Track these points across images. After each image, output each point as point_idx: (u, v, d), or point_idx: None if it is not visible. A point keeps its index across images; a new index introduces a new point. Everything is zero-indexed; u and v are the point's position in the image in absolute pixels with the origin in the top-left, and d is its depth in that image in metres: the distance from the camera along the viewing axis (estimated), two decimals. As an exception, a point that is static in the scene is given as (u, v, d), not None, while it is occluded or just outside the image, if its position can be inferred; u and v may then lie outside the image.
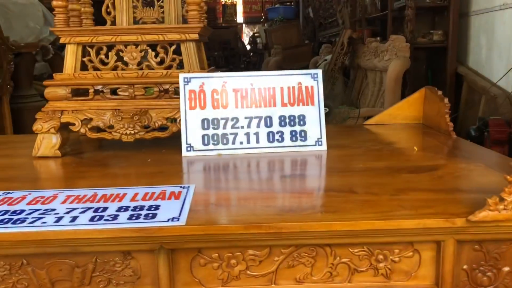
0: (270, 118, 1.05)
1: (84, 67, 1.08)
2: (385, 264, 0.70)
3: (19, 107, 2.64)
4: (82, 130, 1.05)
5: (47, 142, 1.05)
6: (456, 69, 3.56)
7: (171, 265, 0.69)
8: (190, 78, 1.04)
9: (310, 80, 1.06)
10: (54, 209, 0.70)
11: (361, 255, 0.70)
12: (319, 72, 1.07)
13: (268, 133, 1.05)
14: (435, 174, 0.86)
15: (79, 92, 1.07)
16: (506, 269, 0.70)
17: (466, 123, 3.25)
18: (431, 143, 1.12)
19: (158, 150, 1.09)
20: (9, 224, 0.65)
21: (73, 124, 1.05)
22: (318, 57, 5.60)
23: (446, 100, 1.17)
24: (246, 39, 12.28)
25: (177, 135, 1.04)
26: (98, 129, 1.07)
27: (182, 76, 1.04)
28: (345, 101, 4.11)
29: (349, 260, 0.70)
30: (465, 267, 0.70)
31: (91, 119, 1.05)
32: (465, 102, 3.40)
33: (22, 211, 0.70)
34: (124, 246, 0.67)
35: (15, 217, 0.67)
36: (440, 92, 1.21)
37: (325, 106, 2.20)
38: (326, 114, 1.26)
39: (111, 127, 1.05)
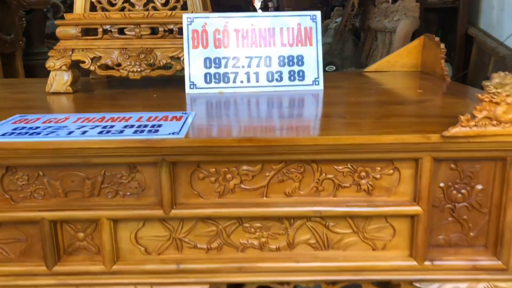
0: (270, 58, 1.11)
1: (93, 8, 1.14)
2: (367, 180, 0.77)
3: (31, 64, 2.72)
4: (92, 68, 1.12)
5: (59, 79, 1.12)
6: (467, 30, 3.54)
7: (173, 178, 0.76)
8: (193, 18, 1.09)
9: (309, 21, 1.11)
10: (66, 126, 0.78)
11: (345, 172, 0.77)
12: (318, 13, 1.12)
13: (268, 73, 1.10)
14: (421, 105, 0.92)
15: (88, 32, 1.13)
16: (479, 187, 0.76)
17: (475, 84, 3.26)
18: (425, 85, 1.17)
19: (163, 88, 1.15)
20: (26, 136, 0.73)
21: (83, 62, 1.12)
22: (329, 20, 5.56)
23: (442, 45, 1.21)
24: (257, 4, 12.14)
25: (181, 78, 1.11)
26: (106, 67, 1.13)
27: (185, 16, 1.09)
28: (355, 63, 4.12)
29: (334, 176, 0.77)
30: (441, 184, 0.76)
31: (100, 57, 1.12)
32: (475, 63, 3.40)
33: (37, 127, 0.78)
34: (130, 159, 0.75)
35: (31, 131, 0.75)
36: (437, 39, 1.25)
37: (332, 64, 2.26)
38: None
39: (119, 65, 1.12)
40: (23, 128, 0.77)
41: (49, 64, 1.12)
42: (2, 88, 1.26)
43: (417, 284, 0.79)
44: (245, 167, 0.77)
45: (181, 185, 0.77)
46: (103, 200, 0.78)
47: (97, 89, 1.20)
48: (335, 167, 0.76)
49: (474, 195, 0.77)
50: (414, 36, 3.48)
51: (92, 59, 1.12)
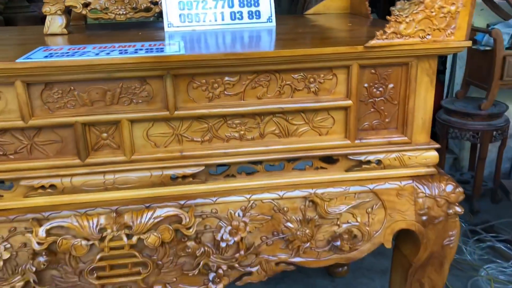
0: (231, 1, 1.37)
1: (79, -40, 1.34)
2: (314, 84, 1.08)
3: (12, 16, 2.82)
4: (83, 12, 1.33)
5: (55, 22, 1.33)
6: (390, -17, 3.92)
7: (174, 88, 1.03)
8: (168, -32, 1.33)
9: (262, -30, 1.38)
10: (88, 51, 1.02)
11: (299, 79, 1.07)
12: (269, -37, 1.39)
13: (231, 13, 1.37)
14: (350, 32, 1.24)
15: (78, -19, 1.34)
16: (391, 85, 1.10)
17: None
18: (353, 21, 1.48)
19: (142, 29, 1.39)
20: (58, 57, 0.96)
21: (75, 7, 1.33)
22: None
23: (366, -11, 1.53)
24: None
25: (154, 23, 1.35)
26: (94, 11, 1.35)
27: (162, -34, 1.32)
28: (292, 12, 4.42)
29: (291, 82, 1.07)
30: (365, 85, 1.09)
31: (89, 3, 1.34)
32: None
33: (66, 52, 1.01)
34: (142, 73, 1.01)
35: (63, 54, 0.99)
36: (361, -16, 1.57)
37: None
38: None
39: (107, 9, 1.34)
40: (55, 53, 1.00)
41: (45, 9, 1.32)
42: (1, 34, 1.44)
43: (350, 157, 1.13)
44: (227, 78, 1.05)
45: (180, 93, 1.04)
46: (121, 107, 1.03)
47: (86, 31, 1.41)
48: (292, 75, 1.06)
49: (388, 91, 1.10)
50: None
51: (82, 4, 1.33)
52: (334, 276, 2.03)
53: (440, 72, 3.07)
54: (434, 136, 1.20)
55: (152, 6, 1.36)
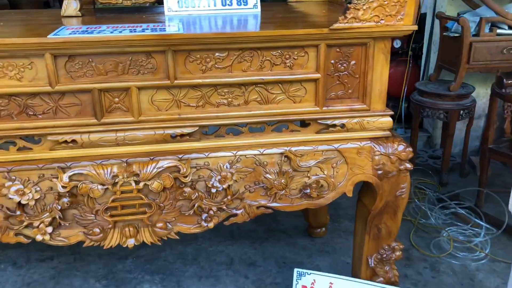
0: (223, -11, 1.59)
1: (91, -48, 1.56)
2: (290, 60, 1.31)
3: (16, 1, 3.04)
4: (95, -3, 1.55)
5: (70, 6, 1.55)
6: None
7: (174, 61, 1.26)
8: (169, -40, 1.55)
9: (249, -37, 1.61)
10: (104, 30, 1.24)
11: (277, 55, 1.30)
12: (255, -42, 1.61)
13: (223, 0, 1.60)
14: (322, 17, 1.47)
15: (90, -30, 1.56)
16: (353, 62, 1.33)
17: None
18: (329, 9, 1.71)
19: (148, 13, 1.61)
20: (80, 34, 1.19)
21: (88, -7, 1.55)
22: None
23: (340, -19, 1.76)
24: None
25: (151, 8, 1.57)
26: None
27: (163, -41, 1.54)
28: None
29: (271, 58, 1.30)
30: (332, 61, 1.32)
31: (100, -11, 1.55)
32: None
33: (86, 30, 1.23)
34: (148, 48, 1.23)
35: (85, 32, 1.21)
36: (337, -24, 1.79)
37: None
38: None
39: (115, -5, 1.56)
40: (77, 31, 1.23)
41: (62, -6, 1.54)
42: (20, 15, 1.65)
43: (319, 121, 1.36)
44: (217, 54, 1.27)
45: (179, 66, 1.27)
46: (130, 77, 1.26)
47: (96, 14, 1.63)
48: (271, 52, 1.29)
49: (350, 67, 1.34)
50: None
51: (94, -9, 1.55)
52: (313, 236, 2.28)
53: (418, 57, 3.31)
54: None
55: (154, -7, 1.58)
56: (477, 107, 2.81)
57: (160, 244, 1.35)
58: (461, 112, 2.61)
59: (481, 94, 2.92)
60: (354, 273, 1.66)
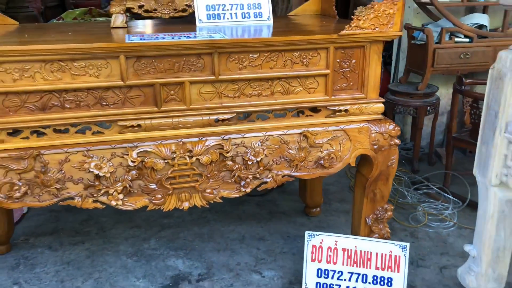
0: (242, 5, 1.96)
1: (135, -25, 1.89)
2: (306, 60, 1.68)
3: (13, 15, 3.27)
4: (139, 12, 1.88)
5: (118, 18, 1.87)
6: (345, -11, 4.61)
7: (218, 62, 1.61)
8: None
9: (263, -16, 1.98)
10: (164, 36, 1.58)
11: (296, 56, 1.67)
12: (267, -21, 1.99)
13: (242, 13, 1.96)
14: (325, 27, 1.86)
15: (135, -11, 1.89)
16: (354, 61, 1.72)
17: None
18: (325, 20, 2.10)
19: (181, 24, 1.95)
20: (148, 40, 1.52)
21: (133, 8, 1.88)
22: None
23: (333, -2, 2.16)
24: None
25: (187, 21, 1.91)
26: (147, 11, 1.90)
27: (195, -20, 1.90)
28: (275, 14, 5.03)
29: (292, 58, 1.66)
30: (338, 60, 1.70)
31: (143, 5, 1.89)
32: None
33: (152, 37, 1.57)
34: (198, 51, 1.57)
35: (152, 38, 1.55)
36: (330, -6, 2.19)
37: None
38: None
39: (155, 10, 1.90)
40: (144, 37, 1.56)
41: (112, 9, 1.86)
42: (74, 27, 1.96)
43: (328, 108, 1.74)
44: (251, 55, 1.63)
45: (221, 65, 1.62)
46: (184, 73, 1.60)
47: (138, 25, 1.96)
48: (292, 54, 1.66)
49: (352, 65, 1.72)
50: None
51: (138, 6, 1.89)
52: (309, 215, 2.65)
53: (388, 63, 3.77)
54: (383, 113, 1.82)
55: (187, 8, 1.93)
56: (441, 105, 3.27)
57: (207, 207, 1.68)
58: (428, 108, 3.06)
59: (444, 94, 3.39)
60: (354, 233, 2.04)
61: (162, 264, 2.22)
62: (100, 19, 6.30)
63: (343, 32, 1.62)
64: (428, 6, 3.13)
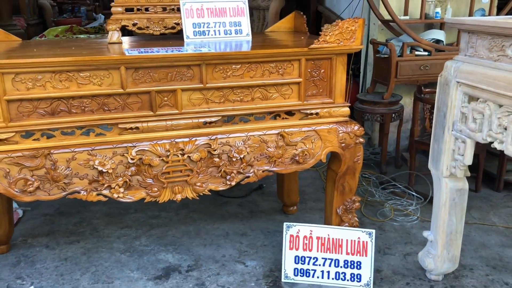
0: (224, 23, 2.23)
1: (129, -3, 2.14)
2: (281, 70, 1.95)
3: None
4: (133, 29, 2.13)
5: (114, 35, 2.12)
6: (317, 8, 4.96)
7: (206, 72, 1.86)
8: (185, 2, 2.17)
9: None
10: (158, 50, 1.83)
11: (273, 66, 1.93)
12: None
13: (224, 30, 2.23)
14: (299, 42, 2.14)
15: (129, 9, 2.14)
16: (323, 70, 1.99)
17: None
18: (297, 36, 2.39)
19: (170, 40, 2.21)
20: (146, 53, 1.77)
21: (128, 26, 2.13)
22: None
23: (304, 16, 2.45)
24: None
25: (175, 36, 2.17)
26: (140, 28, 2.15)
27: (182, 2, 2.16)
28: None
29: (269, 69, 1.93)
30: (309, 70, 1.98)
31: (136, 23, 2.14)
32: (323, 31, 4.82)
33: (147, 51, 1.81)
34: (188, 62, 1.83)
35: (149, 51, 1.79)
36: (301, 13, 2.49)
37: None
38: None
39: (147, 27, 2.15)
40: (142, 51, 1.81)
41: (109, 27, 2.10)
42: (69, 43, 2.19)
43: (302, 111, 2.00)
44: (233, 66, 1.89)
45: (208, 74, 1.87)
46: (176, 82, 1.85)
47: (132, 41, 2.20)
48: (269, 65, 1.93)
49: (321, 74, 2.00)
50: (281, 12, 4.79)
51: (132, 24, 2.13)
52: (287, 213, 2.90)
53: (356, 75, 4.09)
54: (354, 119, 2.09)
55: (176, 25, 2.19)
56: (405, 112, 3.59)
57: (198, 199, 1.92)
58: (393, 115, 3.37)
59: (407, 102, 3.71)
60: (326, 222, 2.30)
61: (153, 258, 2.44)
62: (81, 36, 6.51)
63: (313, 46, 1.90)
64: (391, 23, 3.46)
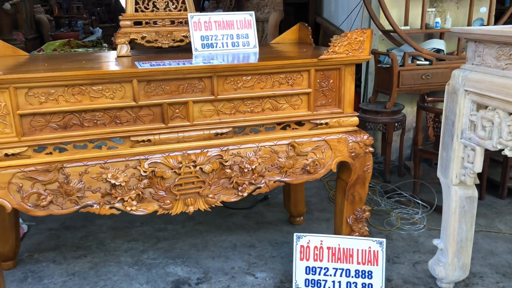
0: (232, 35, 2.25)
1: (136, 10, 2.16)
2: (291, 80, 1.97)
3: None
4: (142, 42, 2.14)
5: (123, 49, 2.13)
6: (315, 19, 5.00)
7: (216, 84, 1.87)
8: (193, 15, 2.19)
9: (248, 17, 2.28)
10: (167, 63, 1.84)
11: (283, 77, 1.95)
12: (252, 13, 2.29)
13: (232, 42, 2.25)
14: (305, 53, 2.16)
15: (137, 23, 2.16)
16: (332, 81, 2.01)
17: (323, 57, 4.72)
18: (302, 47, 2.41)
19: (179, 53, 2.22)
20: (158, 65, 1.78)
21: (136, 39, 2.14)
22: (205, 12, 6.72)
23: (309, 28, 2.48)
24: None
25: (183, 49, 2.19)
26: (148, 42, 2.17)
27: (189, 15, 2.18)
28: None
29: (279, 79, 1.95)
30: (318, 80, 2.00)
31: (145, 36, 2.15)
32: (322, 42, 4.86)
33: (159, 63, 1.83)
34: (200, 74, 1.84)
35: (160, 64, 1.80)
36: (306, 24, 2.51)
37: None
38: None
39: (156, 40, 2.16)
40: (154, 64, 1.82)
41: (118, 40, 2.12)
42: (77, 57, 2.20)
43: (311, 121, 2.02)
44: (244, 77, 1.91)
45: (219, 86, 1.89)
46: (187, 94, 1.86)
47: (141, 54, 2.22)
48: (279, 75, 1.95)
49: (330, 84, 2.02)
50: (280, 24, 4.84)
51: (141, 37, 2.15)
52: (294, 224, 2.90)
53: (357, 86, 4.12)
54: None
55: (184, 38, 2.20)
56: (407, 121, 3.62)
57: (210, 210, 1.92)
58: (396, 124, 3.39)
59: (409, 111, 3.75)
60: (337, 232, 2.30)
61: (162, 271, 2.43)
62: (79, 50, 6.53)
63: (322, 56, 1.92)
64: (391, 33, 3.50)
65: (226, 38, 2.24)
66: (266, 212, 3.07)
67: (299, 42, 2.61)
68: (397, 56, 3.29)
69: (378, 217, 2.98)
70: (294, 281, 2.19)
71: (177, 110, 1.86)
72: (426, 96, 3.06)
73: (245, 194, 1.94)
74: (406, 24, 3.44)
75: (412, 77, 3.33)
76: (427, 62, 3.36)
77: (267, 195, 3.27)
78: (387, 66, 3.38)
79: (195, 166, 1.87)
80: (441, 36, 3.57)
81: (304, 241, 2.21)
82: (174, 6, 2.20)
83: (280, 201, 3.10)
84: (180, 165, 1.85)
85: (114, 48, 2.27)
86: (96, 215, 1.78)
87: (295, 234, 2.21)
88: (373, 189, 3.32)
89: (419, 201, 3.07)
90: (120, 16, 2.14)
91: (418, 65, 3.34)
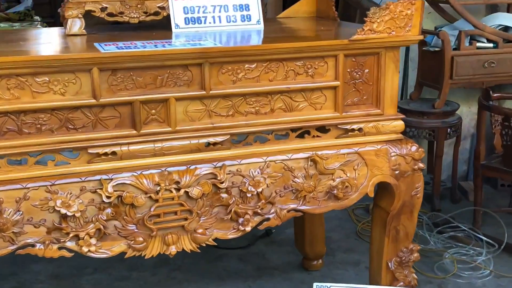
0: (227, 6, 2.26)
1: (95, -29, 2.16)
2: (311, 70, 1.98)
3: None
4: (102, 15, 2.15)
5: (75, 24, 2.13)
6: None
7: (208, 74, 1.88)
8: (175, -21, 2.19)
9: (251, -19, 2.29)
10: (140, 46, 1.84)
11: (300, 65, 1.96)
12: (256, -25, 2.30)
13: (227, 16, 2.26)
14: (327, 30, 2.18)
15: (95, -11, 2.16)
16: (367, 70, 2.03)
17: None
18: (324, 24, 2.43)
19: (154, 30, 2.23)
20: (127, 49, 1.78)
21: (94, 11, 2.14)
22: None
23: (332, -4, 2.50)
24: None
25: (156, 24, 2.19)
26: (111, 15, 2.17)
27: (170, -23, 2.19)
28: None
29: (294, 68, 1.96)
30: (348, 70, 2.01)
31: (106, 8, 2.15)
32: (341, 16, 4.89)
33: (127, 45, 1.83)
34: (187, 61, 1.84)
35: (125, 47, 1.80)
36: (328, -8, 2.54)
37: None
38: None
39: (122, 13, 2.17)
40: (122, 47, 1.82)
41: (68, 13, 2.12)
42: (12, 35, 2.19)
43: (339, 126, 2.03)
44: (247, 65, 1.91)
45: (212, 78, 1.89)
46: (168, 89, 1.86)
47: (101, 32, 2.22)
48: (295, 63, 1.96)
49: (365, 75, 2.03)
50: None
51: (100, 9, 2.15)
52: (310, 269, 2.90)
53: (393, 76, 4.15)
54: None
55: (160, 10, 2.21)
56: (463, 126, 3.65)
57: (199, 251, 1.91)
58: (448, 130, 3.42)
59: (465, 113, 3.78)
60: (373, 281, 2.30)
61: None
62: (1, 25, 6.50)
63: (355, 37, 1.94)
64: (441, 5, 3.54)
65: (218, 11, 2.25)
66: (269, 253, 3.07)
67: (317, 16, 2.63)
68: (449, 36, 3.32)
69: (427, 259, 2.99)
70: None
71: (154, 111, 1.86)
72: (491, 92, 3.09)
73: (248, 229, 1.94)
74: (461, -9, 3.49)
75: (470, 65, 3.36)
76: (491, 45, 3.40)
77: (271, 229, 3.26)
78: (436, 49, 3.41)
79: (178, 190, 1.86)
80: (508, 8, 3.62)
81: (327, 294, 2.21)
82: (146, -34, 2.21)
83: (289, 237, 3.10)
84: (158, 188, 1.84)
85: (58, 24, 2.27)
86: (32, 258, 1.74)
87: (315, 284, 2.21)
88: (418, 221, 3.33)
89: (483, 237, 3.09)
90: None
91: (478, 48, 3.38)
